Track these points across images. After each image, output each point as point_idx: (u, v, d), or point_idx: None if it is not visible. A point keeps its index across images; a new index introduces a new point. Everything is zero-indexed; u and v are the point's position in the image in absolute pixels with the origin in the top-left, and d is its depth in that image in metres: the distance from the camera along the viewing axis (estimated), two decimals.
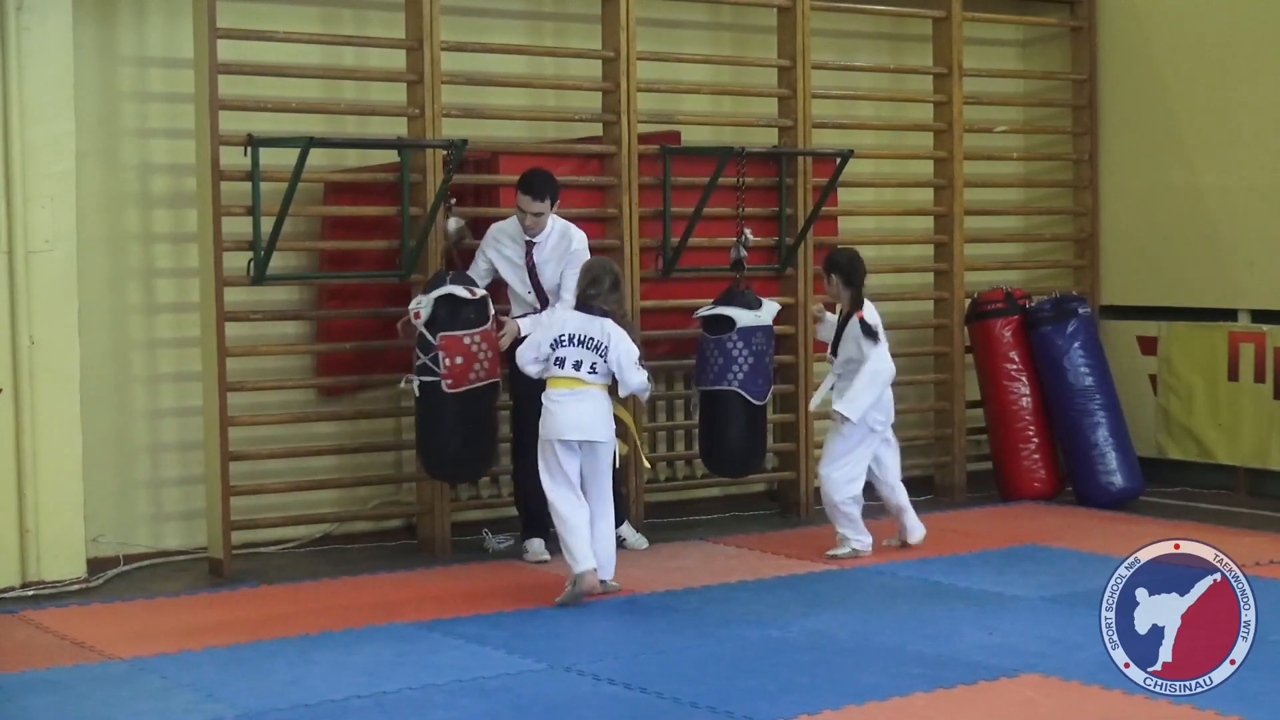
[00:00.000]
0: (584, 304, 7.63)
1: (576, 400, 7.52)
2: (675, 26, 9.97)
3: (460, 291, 7.95)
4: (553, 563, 8.17)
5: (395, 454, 9.18)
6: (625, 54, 9.17)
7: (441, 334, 7.93)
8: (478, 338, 7.98)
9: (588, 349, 7.54)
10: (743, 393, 8.67)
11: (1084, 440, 9.98)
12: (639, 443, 8.36)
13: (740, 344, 8.64)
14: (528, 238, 8.28)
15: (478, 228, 8.98)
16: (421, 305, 7.96)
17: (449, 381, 7.94)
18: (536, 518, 8.32)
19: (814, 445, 9.84)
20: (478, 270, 8.36)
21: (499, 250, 8.34)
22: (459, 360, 7.93)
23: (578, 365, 7.52)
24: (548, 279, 8.28)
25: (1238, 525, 9.28)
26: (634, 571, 8.13)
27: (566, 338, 7.55)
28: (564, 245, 8.28)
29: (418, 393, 8.04)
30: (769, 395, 8.89)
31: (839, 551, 8.46)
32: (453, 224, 8.31)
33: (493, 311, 8.11)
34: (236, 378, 8.39)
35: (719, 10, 10.17)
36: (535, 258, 8.29)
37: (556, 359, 7.54)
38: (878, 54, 10.75)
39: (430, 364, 7.97)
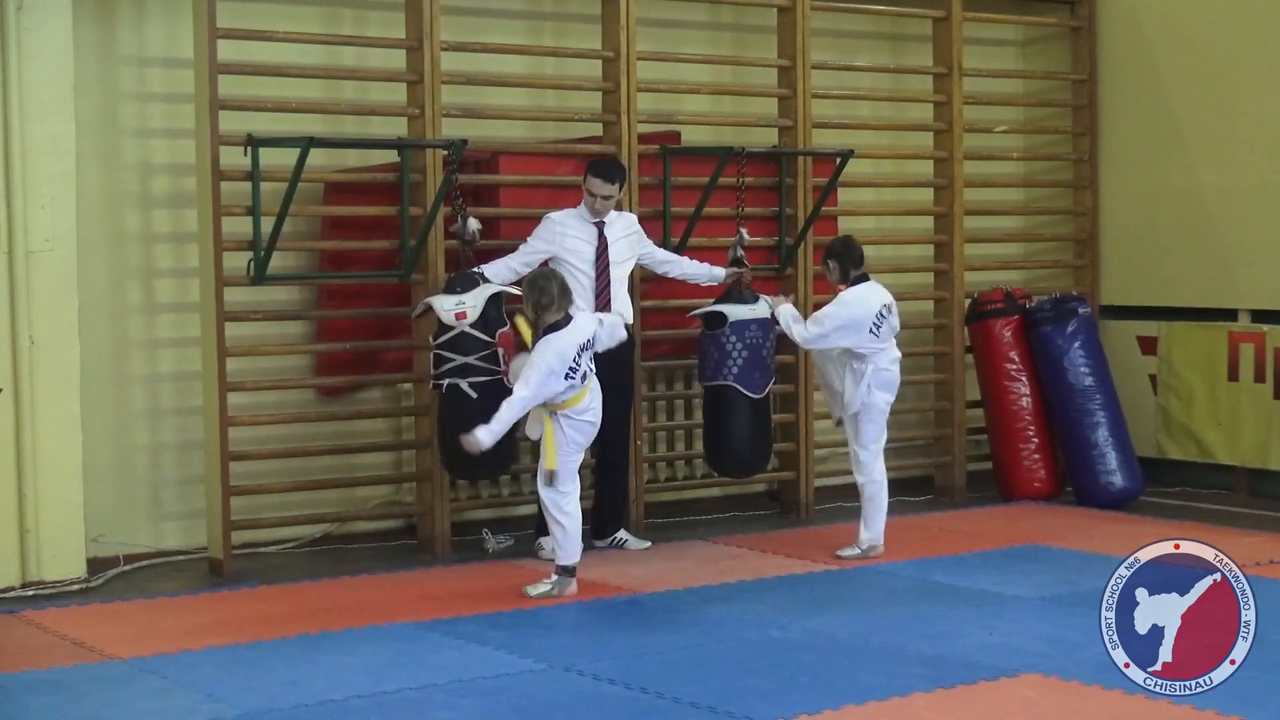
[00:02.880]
0: (554, 325, 7.54)
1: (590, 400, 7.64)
2: (675, 26, 9.98)
3: (512, 290, 7.95)
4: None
5: (395, 454, 9.18)
6: (625, 54, 9.17)
7: (500, 331, 7.92)
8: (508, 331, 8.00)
9: (588, 350, 7.63)
10: (738, 386, 8.65)
11: (1084, 440, 9.98)
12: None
13: (733, 338, 8.64)
14: (594, 220, 8.35)
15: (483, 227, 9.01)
16: (467, 305, 7.88)
17: (510, 378, 7.76)
18: None
19: (814, 445, 9.85)
20: (524, 260, 8.35)
21: (563, 236, 8.33)
22: (509, 354, 7.92)
23: (586, 362, 7.60)
24: (617, 255, 8.37)
25: (1238, 525, 9.28)
26: (634, 571, 8.14)
27: (579, 351, 7.54)
28: (627, 223, 8.54)
29: (474, 394, 7.84)
30: (768, 390, 8.87)
31: (849, 552, 8.44)
32: (473, 224, 8.28)
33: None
34: (236, 378, 8.39)
35: (719, 10, 10.17)
36: (608, 235, 8.39)
37: (582, 373, 7.53)
38: (878, 54, 10.75)
39: (481, 362, 7.86)
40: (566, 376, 7.46)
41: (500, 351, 7.91)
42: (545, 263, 8.38)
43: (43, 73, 7.89)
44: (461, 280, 8.03)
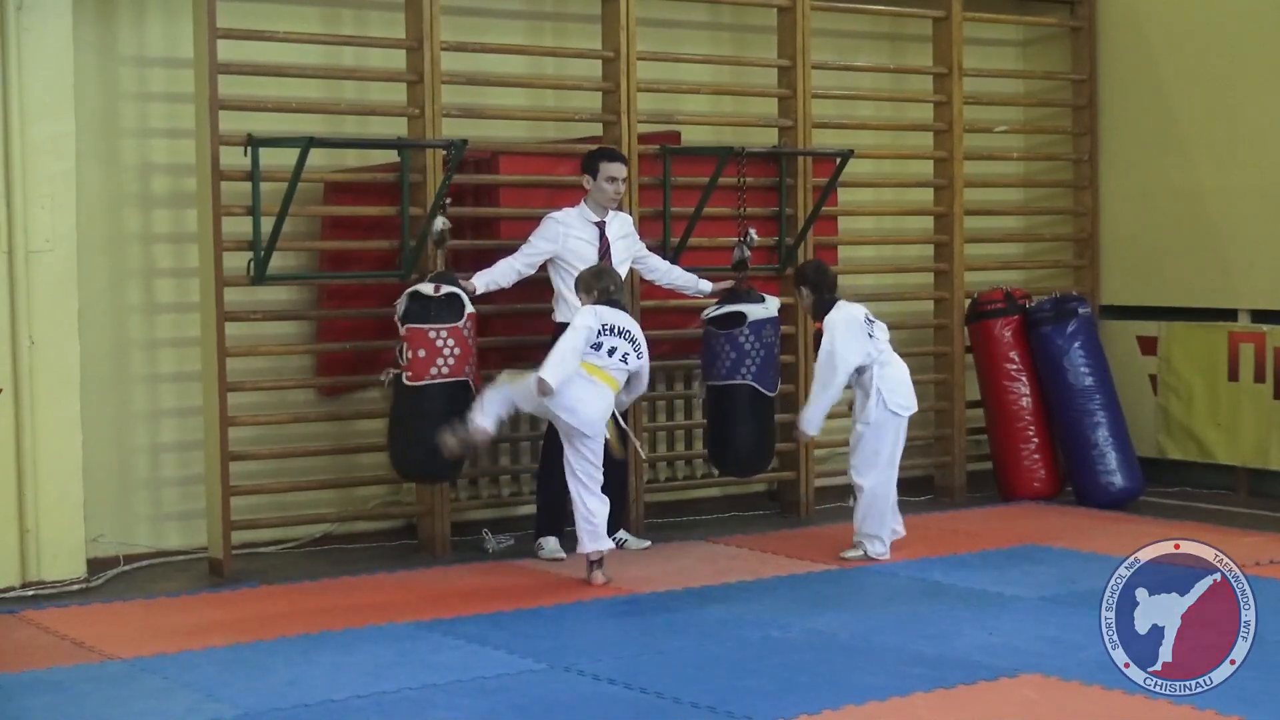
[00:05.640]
0: (611, 301, 7.82)
1: (603, 393, 7.70)
2: (675, 26, 9.98)
3: (426, 288, 7.94)
4: (563, 562, 8.21)
5: None
6: (625, 54, 9.17)
7: (407, 325, 7.95)
8: (444, 333, 7.92)
9: (625, 340, 7.75)
10: (757, 385, 8.69)
11: (1084, 440, 9.98)
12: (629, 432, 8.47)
13: (752, 337, 8.67)
14: (597, 219, 8.37)
15: (478, 228, 9.00)
16: (400, 301, 8.00)
17: (409, 374, 7.93)
18: (556, 516, 8.36)
19: (814, 445, 9.84)
20: (526, 261, 8.34)
21: (566, 236, 8.34)
22: (421, 354, 7.91)
23: (619, 355, 7.71)
24: (617, 255, 8.40)
25: (1238, 525, 9.28)
26: (634, 571, 8.14)
27: (610, 328, 7.71)
28: (625, 223, 8.56)
29: (387, 385, 8.07)
30: (778, 388, 8.92)
31: (852, 554, 8.44)
32: (439, 223, 8.25)
33: (468, 310, 8.00)
34: (236, 378, 8.39)
35: (719, 10, 10.17)
36: (609, 235, 8.41)
37: (607, 348, 7.69)
38: (878, 54, 10.75)
39: (397, 355, 7.99)
40: (606, 349, 7.70)
41: (404, 346, 7.94)
42: (544, 264, 8.38)
43: (43, 73, 7.89)
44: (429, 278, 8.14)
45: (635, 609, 7.46)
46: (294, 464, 8.84)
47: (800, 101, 9.76)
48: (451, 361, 7.93)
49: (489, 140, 9.14)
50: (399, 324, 7.98)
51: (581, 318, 7.72)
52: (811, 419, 8.42)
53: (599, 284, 7.87)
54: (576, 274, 8.21)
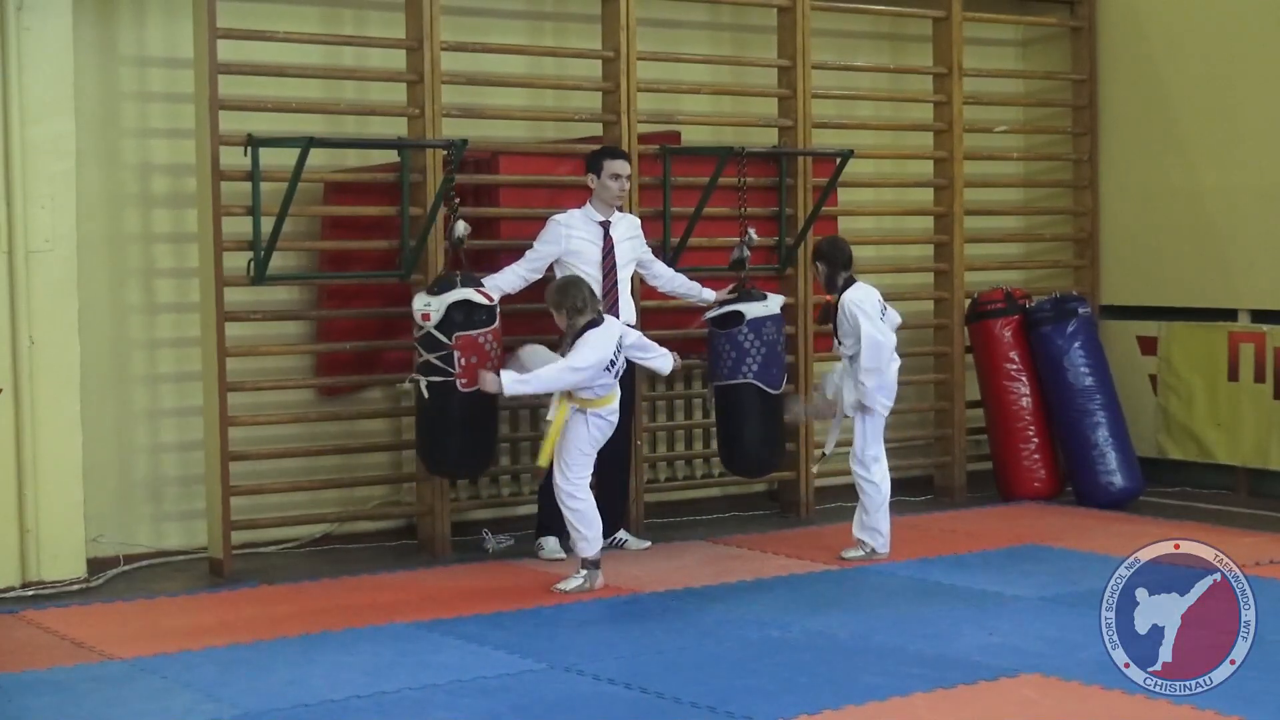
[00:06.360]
0: (591, 323, 7.63)
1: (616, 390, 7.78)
2: (675, 26, 9.98)
3: (475, 297, 7.97)
4: (565, 561, 8.20)
5: (395, 454, 9.18)
6: (625, 54, 9.17)
7: (457, 334, 7.94)
8: (489, 336, 8.02)
9: (620, 351, 7.72)
10: (758, 384, 8.70)
11: (1084, 440, 9.98)
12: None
13: (751, 335, 8.68)
14: (601, 219, 8.36)
15: (478, 228, 8.99)
16: (432, 308, 7.95)
17: (464, 381, 7.93)
18: (557, 516, 8.36)
19: (814, 445, 9.84)
20: (531, 267, 8.36)
21: (570, 236, 8.33)
22: (473, 360, 7.95)
23: (622, 369, 7.74)
24: (622, 256, 8.41)
25: (1238, 525, 9.28)
26: (634, 571, 8.14)
27: (618, 342, 7.69)
28: (631, 225, 8.56)
29: (427, 394, 8.02)
30: (784, 385, 8.91)
31: (853, 554, 8.44)
32: (460, 227, 8.26)
33: (498, 309, 8.13)
34: (236, 378, 8.40)
35: (719, 10, 10.17)
36: (614, 235, 8.40)
37: (618, 369, 7.67)
38: (878, 54, 10.75)
39: (439, 363, 7.96)
40: (606, 369, 7.61)
41: (456, 355, 7.93)
42: (551, 267, 8.37)
43: (43, 73, 7.89)
44: (440, 282, 8.12)
45: (635, 609, 7.46)
46: (294, 464, 8.84)
47: (800, 101, 9.76)
48: (495, 362, 8.03)
49: (489, 140, 9.14)
50: (435, 332, 7.94)
51: (596, 353, 7.54)
52: (870, 394, 8.27)
53: (566, 300, 7.64)
54: (582, 275, 8.18)
